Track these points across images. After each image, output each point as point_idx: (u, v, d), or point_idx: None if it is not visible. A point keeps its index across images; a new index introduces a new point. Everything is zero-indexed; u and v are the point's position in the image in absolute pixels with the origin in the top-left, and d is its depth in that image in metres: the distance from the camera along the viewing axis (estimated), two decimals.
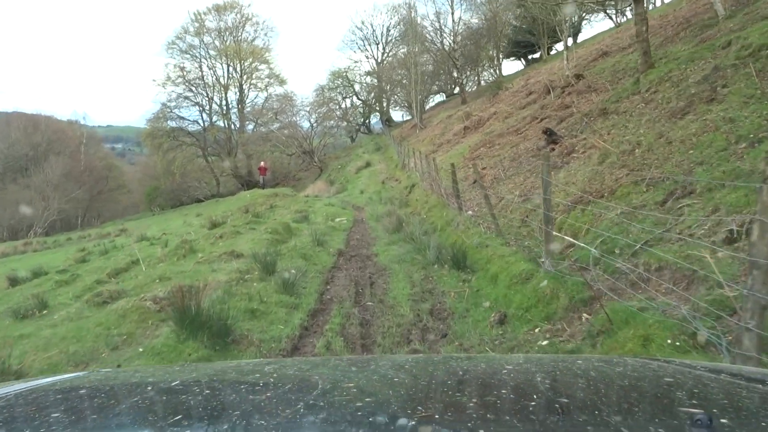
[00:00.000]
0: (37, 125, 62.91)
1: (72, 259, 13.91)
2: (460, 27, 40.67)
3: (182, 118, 54.25)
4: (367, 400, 1.24)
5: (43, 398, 1.39)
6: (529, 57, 44.07)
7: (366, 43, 58.63)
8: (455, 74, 48.50)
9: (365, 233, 11.66)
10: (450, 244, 8.54)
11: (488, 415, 1.11)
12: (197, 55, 53.11)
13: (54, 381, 1.59)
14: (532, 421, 1.07)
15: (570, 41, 33.87)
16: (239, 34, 54.53)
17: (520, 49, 42.14)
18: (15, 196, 50.63)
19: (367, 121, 62.02)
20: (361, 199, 20.20)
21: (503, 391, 1.33)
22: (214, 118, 55.89)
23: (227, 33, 53.76)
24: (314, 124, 53.77)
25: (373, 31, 61.28)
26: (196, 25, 52.80)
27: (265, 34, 57.14)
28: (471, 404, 1.22)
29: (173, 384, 1.49)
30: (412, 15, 41.97)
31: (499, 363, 1.77)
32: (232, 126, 55.80)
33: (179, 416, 1.16)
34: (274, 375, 1.61)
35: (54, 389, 1.50)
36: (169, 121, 54.13)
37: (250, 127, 56.20)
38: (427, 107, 50.39)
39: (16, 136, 59.01)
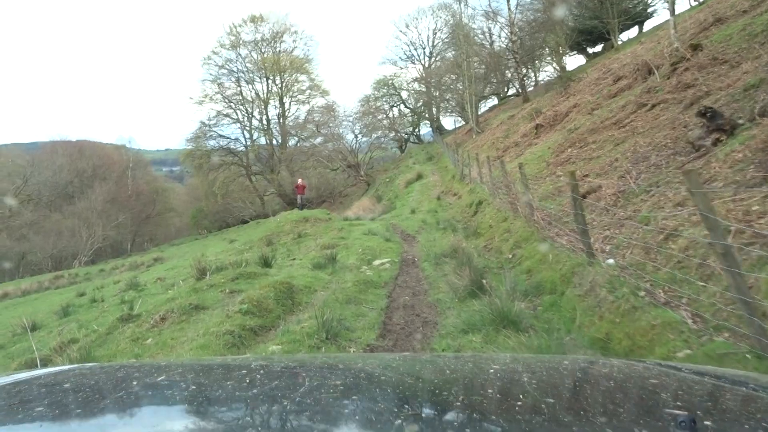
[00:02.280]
0: (82, 151, 62.12)
1: (18, 326, 10.09)
2: (516, 16, 35.74)
3: (222, 136, 51.79)
4: (353, 398, 1.23)
5: (27, 391, 1.37)
6: (590, 51, 38.84)
7: (412, 47, 54.50)
8: (508, 75, 43.95)
9: (418, 295, 7.07)
10: (597, 343, 4.01)
11: (474, 415, 1.10)
12: (234, 69, 50.37)
13: (38, 374, 1.56)
14: (518, 421, 1.06)
15: (648, 22, 28.99)
16: (277, 45, 51.47)
17: (585, 37, 36.90)
18: (58, 225, 49.20)
19: (417, 129, 57.61)
20: (413, 222, 15.63)
21: (490, 391, 1.32)
22: (255, 135, 53.10)
23: (264, 44, 50.77)
24: (359, 136, 49.86)
25: (419, 34, 57.24)
26: (232, 38, 50.08)
27: (305, 44, 54.12)
28: (457, 403, 1.20)
29: (159, 379, 1.47)
30: (461, 11, 37.45)
31: (486, 362, 1.73)
32: (274, 142, 52.71)
33: (163, 412, 1.18)
34: (261, 372, 1.56)
35: (38, 383, 1.47)
36: (209, 140, 51.72)
37: (293, 142, 52.88)
38: (479, 112, 45.61)
39: (61, 164, 57.93)
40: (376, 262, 9.12)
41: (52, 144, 62.34)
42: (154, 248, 49.30)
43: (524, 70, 37.62)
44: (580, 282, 5.38)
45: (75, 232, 47.26)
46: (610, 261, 5.37)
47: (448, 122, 56.12)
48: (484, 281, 6.06)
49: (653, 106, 12.87)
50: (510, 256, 8.11)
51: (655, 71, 15.25)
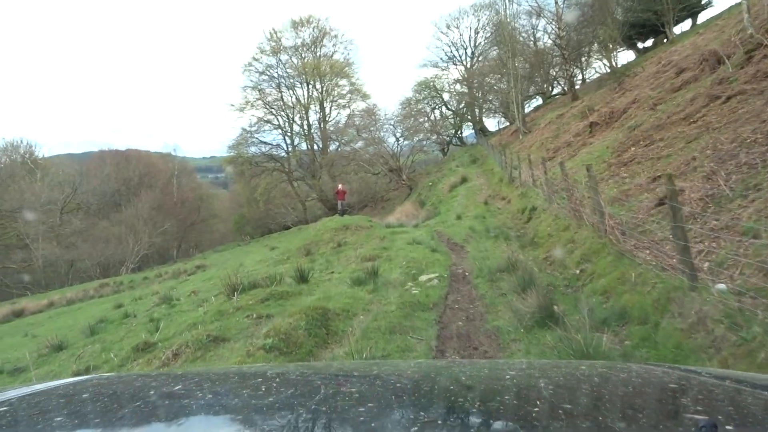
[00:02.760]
0: (129, 160, 63.40)
1: (44, 346, 9.58)
2: (563, 11, 34.21)
3: (264, 142, 51.78)
4: (369, 405, 1.19)
5: (46, 402, 1.36)
6: (640, 46, 36.94)
7: (453, 48, 53.29)
8: (553, 73, 42.41)
9: (473, 320, 5.99)
10: None
11: (491, 421, 1.08)
12: (275, 75, 50.30)
13: (57, 385, 1.55)
14: (536, 427, 1.03)
15: (701, 14, 26.99)
16: (317, 49, 51.14)
17: (637, 31, 35.03)
18: (106, 232, 50.07)
19: (459, 132, 56.30)
20: (459, 230, 14.55)
21: (506, 397, 1.30)
22: (296, 140, 52.91)
23: (305, 49, 50.53)
24: (400, 139, 48.98)
25: (460, 35, 55.98)
26: (273, 44, 50.02)
27: (345, 48, 53.59)
28: (474, 410, 1.18)
29: (176, 388, 1.46)
30: (505, 7, 36.09)
31: (502, 368, 1.71)
32: (315, 147, 52.40)
33: (181, 421, 1.15)
34: (277, 380, 1.57)
35: (57, 393, 1.46)
36: (250, 147, 51.79)
37: (333, 147, 52.41)
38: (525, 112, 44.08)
39: (109, 173, 59.24)
40: (423, 278, 8.15)
41: (100, 153, 63.98)
42: (199, 255, 49.61)
43: (572, 68, 36.02)
44: (680, 311, 4.30)
45: (122, 240, 47.98)
46: (721, 286, 4.26)
47: (491, 123, 54.73)
48: (555, 307, 5.03)
49: (728, 98, 11.66)
50: (577, 272, 7.01)
51: (726, 60, 13.87)
